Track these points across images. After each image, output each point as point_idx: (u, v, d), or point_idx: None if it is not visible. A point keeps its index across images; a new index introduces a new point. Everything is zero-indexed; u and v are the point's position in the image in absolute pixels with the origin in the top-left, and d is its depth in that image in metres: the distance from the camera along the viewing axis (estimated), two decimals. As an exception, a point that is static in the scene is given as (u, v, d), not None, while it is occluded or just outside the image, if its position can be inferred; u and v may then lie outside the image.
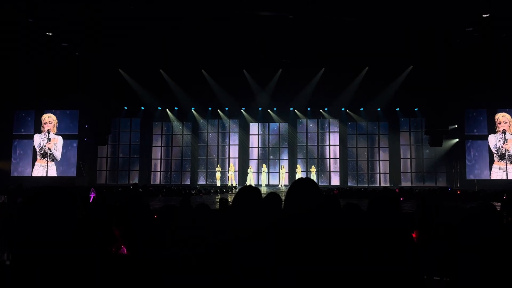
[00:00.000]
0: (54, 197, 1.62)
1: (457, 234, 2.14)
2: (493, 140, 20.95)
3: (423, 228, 3.23)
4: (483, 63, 18.28)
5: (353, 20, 14.96)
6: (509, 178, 20.37)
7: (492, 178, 20.58)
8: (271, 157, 23.10)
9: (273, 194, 3.22)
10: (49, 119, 22.20)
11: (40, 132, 22.12)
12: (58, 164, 21.97)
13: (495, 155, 20.86)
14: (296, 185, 2.14)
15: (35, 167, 21.90)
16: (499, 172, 20.68)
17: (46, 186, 1.66)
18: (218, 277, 1.94)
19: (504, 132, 20.82)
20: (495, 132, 20.99)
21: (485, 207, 2.51)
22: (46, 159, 21.84)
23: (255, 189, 2.49)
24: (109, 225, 2.91)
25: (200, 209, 2.98)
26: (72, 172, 21.80)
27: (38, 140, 22.06)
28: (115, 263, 1.68)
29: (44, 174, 21.67)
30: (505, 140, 20.76)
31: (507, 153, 20.69)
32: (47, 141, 21.92)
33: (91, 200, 8.64)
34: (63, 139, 22.10)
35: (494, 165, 20.79)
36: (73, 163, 21.93)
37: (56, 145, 21.99)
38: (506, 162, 20.66)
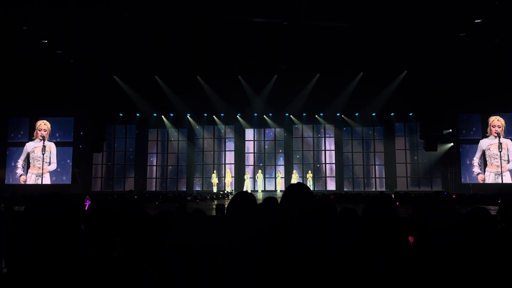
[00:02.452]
0: (57, 205, 1.62)
1: (451, 238, 2.16)
2: (486, 144, 21.03)
3: (420, 232, 3.24)
4: (477, 68, 18.42)
5: (347, 26, 15.06)
6: (504, 182, 20.43)
7: (486, 182, 20.65)
8: (267, 162, 23.11)
9: (271, 198, 3.23)
10: (45, 126, 22.09)
11: (34, 139, 21.98)
12: (52, 171, 21.84)
13: (488, 158, 20.94)
14: (290, 190, 2.19)
15: (28, 174, 21.75)
16: (491, 175, 20.76)
17: (49, 193, 1.66)
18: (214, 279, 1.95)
19: (498, 135, 20.86)
20: (488, 136, 21.07)
21: (479, 212, 2.53)
22: (40, 166, 21.69)
23: (249, 195, 2.52)
24: (108, 232, 2.91)
25: (196, 215, 2.98)
26: (66, 180, 21.69)
27: (31, 147, 21.92)
28: (115, 268, 1.69)
29: (38, 182, 21.51)
30: (499, 144, 20.84)
31: (502, 156, 20.75)
32: (41, 148, 21.78)
33: (86, 208, 8.60)
34: (58, 146, 21.97)
35: (487, 169, 20.87)
36: (68, 171, 21.82)
37: (50, 152, 21.84)
38: (500, 166, 20.73)
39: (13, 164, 21.86)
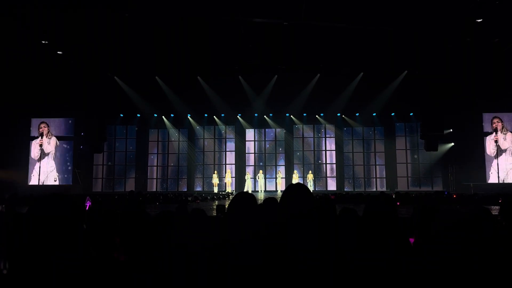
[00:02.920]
0: (57, 205, 1.62)
1: (452, 238, 2.16)
2: (487, 144, 21.01)
3: (420, 232, 3.24)
4: (477, 68, 18.40)
5: (347, 26, 15.05)
6: (505, 181, 20.40)
7: (487, 181, 20.61)
8: (267, 163, 23.11)
9: (271, 198, 3.24)
10: (46, 129, 22.08)
11: (33, 140, 21.96)
12: (53, 172, 21.82)
13: (489, 158, 20.91)
14: (289, 190, 2.20)
15: (28, 175, 21.74)
16: (491, 175, 20.73)
17: (49, 194, 1.66)
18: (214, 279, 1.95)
19: (498, 135, 20.85)
20: (488, 136, 21.05)
21: (479, 212, 2.52)
22: (39, 167, 21.68)
23: (250, 195, 2.52)
24: (109, 232, 2.92)
25: (195, 214, 2.98)
26: (67, 180, 21.69)
27: (31, 148, 21.91)
28: (116, 268, 1.69)
29: (39, 183, 21.51)
30: (500, 144, 20.82)
31: (503, 156, 20.72)
32: (41, 149, 21.79)
33: (87, 209, 8.61)
34: (58, 147, 21.96)
35: (487, 169, 20.85)
36: (69, 171, 21.82)
37: (50, 154, 21.84)
38: (503, 166, 20.69)
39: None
